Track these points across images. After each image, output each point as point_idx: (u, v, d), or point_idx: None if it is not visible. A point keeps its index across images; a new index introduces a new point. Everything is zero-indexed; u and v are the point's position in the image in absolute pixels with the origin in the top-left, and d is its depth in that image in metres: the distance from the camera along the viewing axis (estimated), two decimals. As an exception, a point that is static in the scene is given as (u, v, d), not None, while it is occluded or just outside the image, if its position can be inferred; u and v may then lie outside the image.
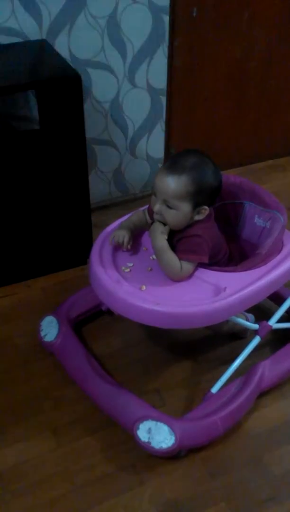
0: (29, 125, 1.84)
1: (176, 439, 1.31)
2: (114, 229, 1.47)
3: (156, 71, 2.16)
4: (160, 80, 2.19)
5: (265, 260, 1.38)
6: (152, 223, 1.40)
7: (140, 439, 1.32)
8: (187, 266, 1.32)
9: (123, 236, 1.41)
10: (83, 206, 1.92)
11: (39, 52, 1.85)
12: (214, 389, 1.45)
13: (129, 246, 1.41)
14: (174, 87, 2.27)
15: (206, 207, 1.34)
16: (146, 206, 1.48)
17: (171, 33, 2.11)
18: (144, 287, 1.31)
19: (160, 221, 1.33)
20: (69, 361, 1.53)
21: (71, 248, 1.96)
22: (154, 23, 2.03)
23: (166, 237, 1.32)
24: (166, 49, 2.12)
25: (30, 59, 1.81)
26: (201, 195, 1.30)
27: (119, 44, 2.02)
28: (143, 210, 1.49)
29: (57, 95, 1.64)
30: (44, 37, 1.88)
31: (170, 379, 1.59)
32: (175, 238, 1.35)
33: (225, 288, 1.29)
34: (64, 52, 1.94)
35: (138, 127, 2.26)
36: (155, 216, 1.33)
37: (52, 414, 1.50)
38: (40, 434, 1.45)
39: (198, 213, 1.34)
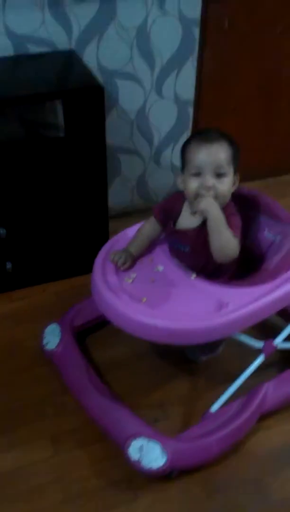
0: (55, 133, 1.84)
1: (167, 460, 1.24)
2: (120, 238, 1.42)
3: (184, 82, 2.10)
4: (187, 91, 2.13)
5: (273, 276, 1.30)
6: (163, 226, 1.37)
7: (130, 457, 1.25)
8: (237, 243, 1.26)
9: (119, 257, 1.35)
10: (101, 213, 1.88)
11: (67, 62, 1.83)
12: (213, 409, 1.37)
13: (124, 267, 1.35)
14: (202, 98, 2.20)
15: (237, 174, 1.32)
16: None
17: (201, 45, 2.04)
18: (144, 299, 1.25)
19: None
20: (67, 371, 1.48)
21: (87, 254, 1.90)
22: (184, 35, 1.98)
23: None
24: (195, 61, 2.06)
25: (58, 68, 1.79)
26: (235, 160, 1.29)
27: (148, 55, 1.97)
28: (149, 219, 1.42)
29: (81, 105, 1.62)
30: (73, 47, 1.85)
31: (174, 393, 1.52)
32: None
33: (228, 303, 1.21)
34: (92, 62, 1.91)
35: (163, 137, 2.21)
36: (207, 193, 1.25)
37: (53, 421, 1.46)
38: (38, 441, 1.41)
39: (234, 182, 1.31)
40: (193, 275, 1.32)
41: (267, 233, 1.42)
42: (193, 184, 1.27)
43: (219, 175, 1.25)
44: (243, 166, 2.44)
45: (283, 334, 1.45)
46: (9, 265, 1.83)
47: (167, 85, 2.07)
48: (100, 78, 1.95)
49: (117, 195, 2.27)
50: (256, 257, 1.43)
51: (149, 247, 1.42)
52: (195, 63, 2.07)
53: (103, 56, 1.91)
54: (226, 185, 1.27)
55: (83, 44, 1.87)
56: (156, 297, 1.26)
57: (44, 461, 1.36)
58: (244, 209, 1.43)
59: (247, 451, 1.38)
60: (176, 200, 1.35)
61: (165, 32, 1.94)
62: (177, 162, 2.29)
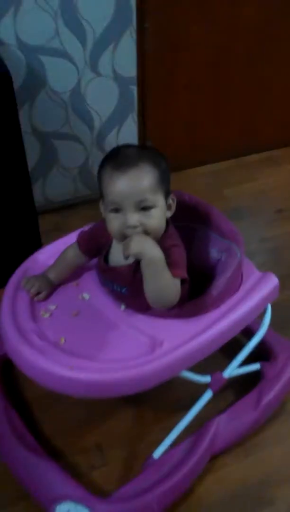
0: None
1: None
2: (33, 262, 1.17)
3: (123, 58, 1.81)
4: (128, 68, 1.85)
5: (216, 303, 1.07)
6: (90, 257, 1.15)
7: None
8: (179, 285, 1.00)
9: (32, 285, 1.11)
10: (27, 210, 1.60)
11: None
12: (156, 454, 1.16)
13: (38, 298, 1.12)
14: (146, 76, 1.93)
15: (172, 196, 1.05)
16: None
17: (139, 15, 1.76)
18: (62, 340, 1.02)
19: None
20: None
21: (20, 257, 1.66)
22: (118, 2, 1.68)
23: None
24: (134, 33, 1.77)
25: None
26: (164, 181, 1.02)
27: (76, 28, 1.68)
28: (73, 244, 1.17)
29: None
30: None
31: (115, 430, 1.29)
32: None
33: (162, 342, 0.99)
34: (9, 39, 1.61)
35: (105, 120, 1.94)
36: (133, 231, 0.98)
37: None
38: None
39: (169, 206, 1.05)
40: (123, 306, 1.09)
41: (211, 249, 1.18)
42: (114, 223, 1.00)
43: (144, 208, 0.99)
44: (204, 147, 2.25)
45: (234, 364, 1.23)
46: None
47: (103, 61, 1.79)
48: (21, 56, 1.67)
49: (57, 186, 2.02)
50: (204, 275, 1.19)
51: (74, 271, 1.18)
52: (134, 36, 1.79)
53: (22, 30, 1.62)
54: (156, 218, 0.99)
55: (-4, 18, 1.58)
56: (78, 337, 1.03)
57: None
58: (185, 219, 1.20)
59: (199, 497, 1.17)
60: (105, 228, 1.05)
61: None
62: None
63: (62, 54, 1.72)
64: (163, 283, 0.98)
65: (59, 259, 1.16)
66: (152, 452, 1.16)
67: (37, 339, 1.01)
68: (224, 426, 1.20)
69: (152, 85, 1.98)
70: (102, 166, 1.02)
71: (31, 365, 0.98)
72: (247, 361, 1.27)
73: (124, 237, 0.99)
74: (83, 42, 1.72)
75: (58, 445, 1.25)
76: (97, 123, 1.93)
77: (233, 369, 1.22)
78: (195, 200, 1.20)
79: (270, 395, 1.27)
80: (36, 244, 1.65)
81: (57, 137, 1.90)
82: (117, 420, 1.31)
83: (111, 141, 2.00)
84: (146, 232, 0.99)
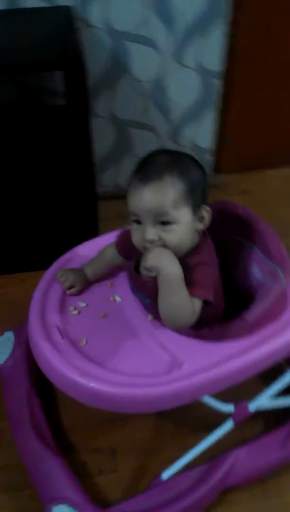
0: (56, 100, 1.60)
1: None
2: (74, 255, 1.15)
3: (211, 51, 1.73)
4: (214, 62, 1.76)
5: (249, 330, 1.00)
6: (126, 259, 1.08)
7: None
8: (198, 305, 0.93)
9: (66, 279, 1.08)
10: (88, 197, 1.58)
11: (64, 21, 1.50)
12: (165, 475, 1.10)
13: (70, 292, 1.09)
14: (233, 71, 1.84)
15: (206, 207, 0.97)
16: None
17: (233, 9, 1.66)
18: (84, 341, 0.99)
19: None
20: (9, 394, 1.25)
21: (75, 242, 1.66)
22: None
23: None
24: (226, 27, 1.68)
25: (55, 29, 1.46)
26: (195, 193, 0.94)
27: (166, 17, 1.62)
28: (112, 243, 1.13)
29: (76, 75, 1.31)
30: (74, 3, 1.55)
31: (133, 438, 1.25)
32: None
33: (182, 363, 0.94)
34: (98, 22, 1.58)
35: (184, 113, 1.87)
36: (151, 245, 0.93)
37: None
38: None
39: (201, 219, 0.97)
40: (150, 317, 1.04)
41: (255, 270, 1.10)
42: (135, 235, 0.95)
43: (164, 223, 0.92)
44: (279, 150, 2.13)
45: (264, 396, 1.13)
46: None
47: (189, 52, 1.72)
48: (107, 40, 1.63)
49: (128, 173, 1.97)
50: (245, 294, 1.11)
51: (112, 270, 1.14)
52: (226, 30, 1.70)
53: (110, 15, 1.59)
54: (177, 234, 0.92)
55: (85, 1, 1.55)
56: (99, 340, 0.99)
57: None
58: (234, 232, 1.13)
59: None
60: None
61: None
62: (200, 142, 1.96)
63: (148, 42, 1.67)
64: (176, 301, 0.91)
65: (97, 256, 1.13)
66: (164, 469, 1.11)
67: (58, 335, 0.98)
68: (243, 460, 1.11)
69: (237, 82, 1.88)
70: (132, 173, 0.96)
71: (45, 360, 0.96)
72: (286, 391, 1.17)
73: (145, 249, 0.94)
74: (171, 31, 1.66)
75: (73, 441, 1.24)
76: (175, 116, 1.87)
77: (261, 403, 1.13)
78: (248, 214, 1.11)
79: None
80: (93, 232, 1.64)
81: (133, 126, 1.87)
82: (136, 428, 1.26)
83: (187, 135, 1.93)
84: (166, 247, 0.93)
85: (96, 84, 1.72)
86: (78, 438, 1.24)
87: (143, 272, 0.98)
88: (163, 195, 0.90)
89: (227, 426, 1.11)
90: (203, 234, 1.01)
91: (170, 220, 0.91)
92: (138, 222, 0.94)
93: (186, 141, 1.95)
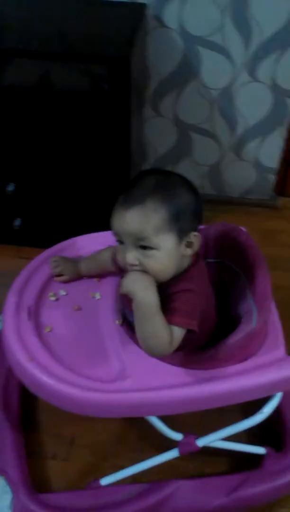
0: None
1: None
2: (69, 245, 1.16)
3: (287, 68, 1.66)
4: None
5: (212, 364, 0.95)
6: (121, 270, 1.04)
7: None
8: (178, 334, 0.89)
9: (56, 266, 1.09)
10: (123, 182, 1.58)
11: (136, 17, 1.51)
12: (104, 481, 1.09)
13: (57, 279, 1.10)
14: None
15: (196, 233, 0.93)
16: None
17: None
18: (48, 329, 1.00)
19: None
20: None
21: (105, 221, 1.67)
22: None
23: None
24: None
25: (122, 24, 1.48)
26: (181, 219, 0.90)
27: (243, 27, 1.57)
28: (110, 248, 1.10)
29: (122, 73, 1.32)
30: (150, 2, 1.55)
31: (95, 436, 1.24)
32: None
33: (127, 378, 0.92)
34: (172, 23, 1.58)
35: (250, 127, 1.81)
36: (133, 269, 0.91)
37: None
38: None
39: (188, 244, 0.93)
40: (119, 321, 1.03)
41: (240, 304, 1.02)
42: (119, 255, 0.93)
43: (144, 247, 0.89)
44: None
45: (214, 436, 1.07)
46: (17, 222, 1.67)
47: (263, 66, 1.66)
48: (180, 42, 1.62)
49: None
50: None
51: (105, 273, 1.12)
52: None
53: (186, 18, 1.57)
54: (158, 260, 0.89)
55: (163, 1, 1.55)
56: (62, 333, 1.00)
57: None
58: (233, 260, 1.08)
59: None
60: None
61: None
62: (263, 160, 1.89)
63: (222, 50, 1.63)
64: (150, 329, 0.88)
65: (95, 254, 1.12)
66: (110, 474, 1.11)
67: (26, 316, 1.00)
68: (184, 493, 1.07)
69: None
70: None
71: (5, 335, 0.98)
72: (260, 436, 1.13)
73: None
74: (246, 42, 1.61)
75: (39, 421, 1.27)
76: (240, 128, 1.82)
77: (209, 441, 1.07)
78: (249, 244, 1.06)
79: (254, 490, 1.09)
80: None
81: (195, 131, 1.84)
82: (103, 429, 1.26)
83: (251, 150, 1.87)
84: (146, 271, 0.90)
85: (163, 83, 1.72)
86: (46, 420, 1.27)
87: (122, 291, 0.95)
88: (143, 221, 0.87)
89: (171, 454, 1.08)
90: (196, 258, 0.97)
91: (150, 245, 0.88)
92: (121, 242, 0.92)
93: (249, 156, 1.89)
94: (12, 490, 1.04)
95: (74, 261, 1.12)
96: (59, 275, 1.11)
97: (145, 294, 0.87)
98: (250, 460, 1.16)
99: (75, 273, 1.11)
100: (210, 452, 1.15)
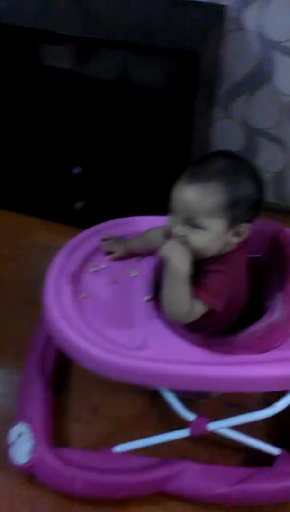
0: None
1: (28, 462, 1.10)
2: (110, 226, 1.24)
3: None
4: None
5: (232, 349, 0.99)
6: None
7: (8, 437, 1.14)
8: (199, 309, 0.95)
9: (110, 246, 1.17)
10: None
11: (214, 18, 1.55)
12: (118, 449, 1.14)
13: (111, 257, 1.17)
14: None
15: (246, 224, 0.97)
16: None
17: None
18: (84, 294, 1.08)
19: None
20: (40, 327, 1.37)
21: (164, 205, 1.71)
22: None
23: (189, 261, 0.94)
24: None
25: (199, 23, 1.53)
26: (237, 208, 0.93)
27: None
28: (160, 226, 1.14)
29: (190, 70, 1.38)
30: (232, 4, 1.58)
31: (122, 406, 1.30)
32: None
33: (147, 348, 0.98)
34: (251, 26, 1.61)
35: None
36: (174, 237, 0.97)
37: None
38: None
39: (237, 233, 0.97)
40: (147, 297, 1.08)
41: (267, 298, 1.05)
42: (169, 221, 0.98)
43: (193, 224, 0.93)
44: None
45: (225, 423, 1.09)
46: (80, 204, 1.76)
47: None
48: (255, 45, 1.65)
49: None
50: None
51: (149, 250, 1.18)
52: None
53: (265, 22, 1.60)
54: (201, 240, 0.93)
55: (244, 3, 1.58)
56: (95, 301, 1.07)
57: None
58: (270, 257, 1.11)
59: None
60: None
61: None
62: None
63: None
64: (174, 295, 0.94)
65: (143, 233, 1.18)
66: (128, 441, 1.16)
67: (66, 280, 1.08)
68: (189, 476, 1.10)
69: None
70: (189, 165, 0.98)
71: (45, 292, 1.06)
72: (277, 437, 1.14)
73: (168, 237, 0.98)
74: None
75: (70, 386, 1.34)
76: (310, 138, 1.82)
77: (220, 426, 1.10)
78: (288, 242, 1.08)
79: (260, 486, 1.10)
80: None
81: (263, 136, 1.85)
82: (129, 403, 1.32)
83: None
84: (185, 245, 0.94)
85: (236, 86, 1.75)
86: (76, 387, 1.33)
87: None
88: (200, 200, 0.91)
89: (182, 433, 1.11)
90: (239, 247, 1.00)
91: (199, 224, 0.93)
92: (174, 213, 0.97)
93: (315, 166, 1.88)
94: (34, 439, 1.12)
95: (123, 240, 1.19)
96: (110, 252, 1.18)
97: (179, 262, 0.92)
98: (263, 459, 1.17)
99: (126, 250, 1.17)
100: (224, 444, 1.20)
